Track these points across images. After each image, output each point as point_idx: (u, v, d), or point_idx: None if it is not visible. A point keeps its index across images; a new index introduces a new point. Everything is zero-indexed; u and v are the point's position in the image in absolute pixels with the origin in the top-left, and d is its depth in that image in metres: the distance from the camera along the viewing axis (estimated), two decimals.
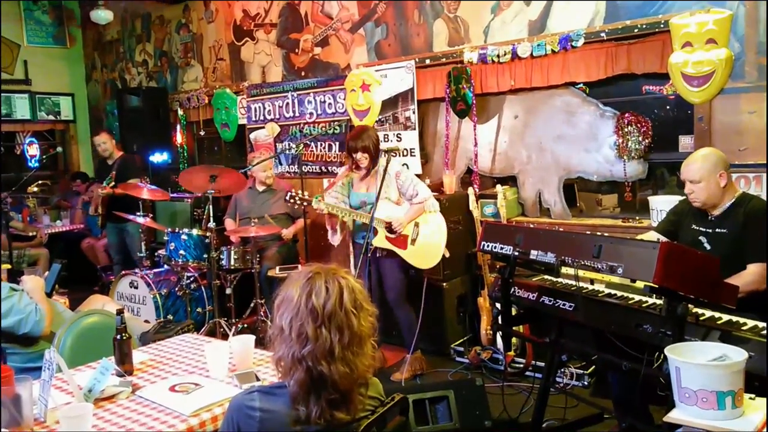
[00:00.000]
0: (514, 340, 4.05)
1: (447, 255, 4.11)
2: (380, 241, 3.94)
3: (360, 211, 4.00)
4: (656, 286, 2.08)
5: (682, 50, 3.61)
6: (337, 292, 1.50)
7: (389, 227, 3.94)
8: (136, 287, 4.91)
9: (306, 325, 1.47)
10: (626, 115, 4.17)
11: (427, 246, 4.03)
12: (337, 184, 4.12)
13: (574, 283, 2.71)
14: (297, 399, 1.49)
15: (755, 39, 3.58)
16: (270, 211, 5.05)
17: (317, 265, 1.58)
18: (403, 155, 5.01)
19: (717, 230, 2.78)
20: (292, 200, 3.83)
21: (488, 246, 2.77)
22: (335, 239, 4.08)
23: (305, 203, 3.86)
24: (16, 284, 2.95)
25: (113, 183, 5.58)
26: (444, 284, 4.47)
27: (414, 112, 4.98)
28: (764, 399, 1.75)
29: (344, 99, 5.37)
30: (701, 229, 2.84)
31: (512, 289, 2.82)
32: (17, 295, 2.79)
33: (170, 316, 4.76)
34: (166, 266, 5.02)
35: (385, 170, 3.82)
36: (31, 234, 6.61)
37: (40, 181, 6.31)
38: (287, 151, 5.87)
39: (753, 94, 3.61)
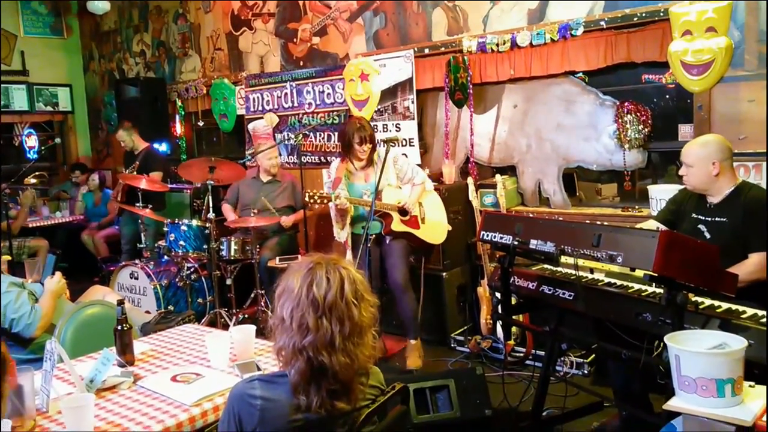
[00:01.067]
0: (514, 329, 4.06)
1: (450, 228, 4.27)
2: (397, 225, 3.99)
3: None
4: (656, 274, 2.08)
5: (682, 39, 3.60)
6: (338, 283, 1.50)
7: (402, 210, 4.01)
8: (137, 278, 4.92)
9: (307, 315, 1.48)
10: (626, 104, 4.15)
11: (435, 222, 4.20)
12: (341, 179, 4.08)
13: (573, 272, 2.71)
14: (298, 388, 1.50)
15: (755, 27, 3.56)
16: (274, 203, 5.04)
17: (318, 255, 1.58)
18: (402, 145, 5.00)
19: (716, 219, 2.78)
20: (312, 200, 3.78)
21: (488, 236, 2.78)
22: (342, 235, 4.06)
23: (326, 200, 3.81)
24: (17, 278, 2.95)
25: (135, 172, 5.54)
26: (444, 274, 4.48)
27: (413, 102, 4.97)
28: (764, 387, 1.76)
29: (343, 89, 5.35)
30: (701, 217, 2.84)
31: (512, 279, 2.83)
32: (15, 293, 2.77)
33: (171, 307, 4.77)
34: (166, 257, 5.03)
35: (385, 159, 3.82)
36: (31, 226, 6.61)
37: (36, 172, 6.28)
38: (286, 142, 5.86)
39: (753, 82, 3.60)
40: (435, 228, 4.19)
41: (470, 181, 4.48)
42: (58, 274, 3.01)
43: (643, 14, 3.83)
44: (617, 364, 2.88)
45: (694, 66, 3.58)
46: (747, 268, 2.60)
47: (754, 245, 2.66)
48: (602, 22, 3.99)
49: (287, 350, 1.51)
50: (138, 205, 5.12)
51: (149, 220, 5.30)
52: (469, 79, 4.57)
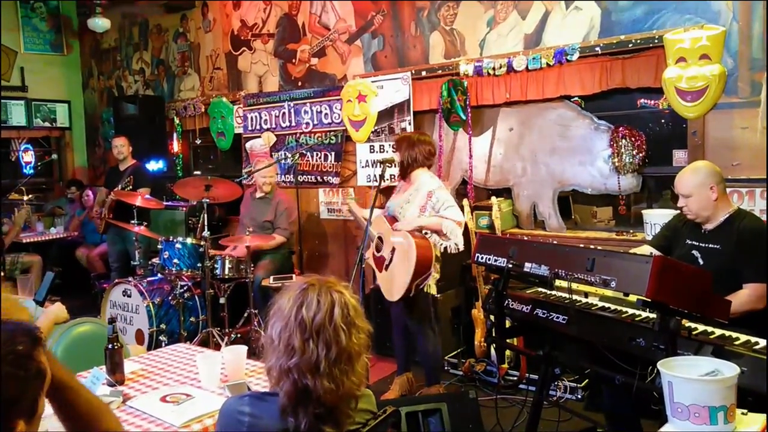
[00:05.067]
0: (507, 352, 4.04)
1: (412, 293, 3.55)
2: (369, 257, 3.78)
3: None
4: (649, 300, 2.08)
5: (676, 65, 3.64)
6: (328, 306, 1.48)
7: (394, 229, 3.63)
8: (129, 296, 4.89)
9: (294, 337, 1.46)
10: (620, 128, 4.18)
11: (393, 276, 3.57)
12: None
13: (567, 296, 2.71)
14: (286, 410, 1.48)
15: (748, 55, 3.61)
16: (261, 218, 5.06)
17: (315, 276, 1.56)
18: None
19: (710, 245, 2.78)
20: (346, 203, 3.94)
21: (482, 258, 2.77)
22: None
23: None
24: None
25: (130, 188, 5.54)
26: (438, 296, 4.44)
27: (409, 123, 5.00)
28: (757, 415, 1.75)
29: (340, 109, 5.38)
30: (695, 243, 2.84)
31: (506, 302, 2.82)
32: None
33: (163, 326, 4.73)
34: (159, 275, 5.00)
35: (380, 179, 3.79)
36: (24, 242, 6.58)
37: (22, 188, 6.23)
38: (283, 161, 5.87)
39: (746, 109, 3.64)
40: (390, 282, 3.61)
41: (466, 202, 4.49)
42: (61, 306, 3.03)
43: (638, 41, 3.88)
44: (610, 390, 2.86)
45: (688, 92, 3.62)
46: (740, 299, 2.58)
47: (748, 276, 2.65)
48: (597, 48, 4.04)
49: (275, 370, 1.50)
50: (133, 222, 5.12)
51: (142, 237, 5.29)
52: (467, 102, 4.60)
